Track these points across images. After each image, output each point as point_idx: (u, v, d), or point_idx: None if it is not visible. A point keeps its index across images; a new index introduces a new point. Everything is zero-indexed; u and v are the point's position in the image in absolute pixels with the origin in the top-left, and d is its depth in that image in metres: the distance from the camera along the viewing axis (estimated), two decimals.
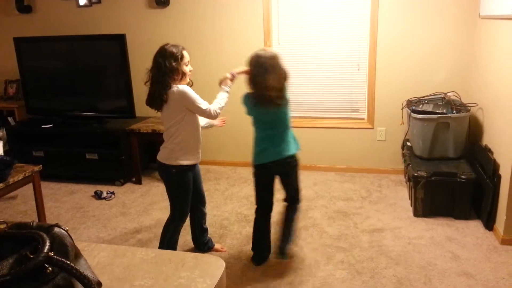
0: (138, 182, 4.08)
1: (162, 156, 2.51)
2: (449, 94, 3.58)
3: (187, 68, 2.45)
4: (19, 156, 3.47)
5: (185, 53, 2.44)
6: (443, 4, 3.61)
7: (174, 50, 2.39)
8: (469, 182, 3.04)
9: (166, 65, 2.36)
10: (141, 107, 4.12)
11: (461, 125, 3.30)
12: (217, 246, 2.90)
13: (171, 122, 2.43)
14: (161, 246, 2.63)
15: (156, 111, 2.47)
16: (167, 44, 2.43)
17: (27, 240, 0.87)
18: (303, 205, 3.51)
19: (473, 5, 3.52)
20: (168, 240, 2.61)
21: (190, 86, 2.51)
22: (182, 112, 2.41)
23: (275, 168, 2.60)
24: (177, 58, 2.39)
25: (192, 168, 2.56)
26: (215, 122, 2.78)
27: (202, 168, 4.34)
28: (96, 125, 4.20)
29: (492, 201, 2.89)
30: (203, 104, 2.42)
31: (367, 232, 3.03)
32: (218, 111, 2.48)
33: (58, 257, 0.82)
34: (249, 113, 2.54)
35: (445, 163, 3.26)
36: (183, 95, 2.37)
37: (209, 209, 3.46)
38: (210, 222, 3.25)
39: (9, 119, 4.71)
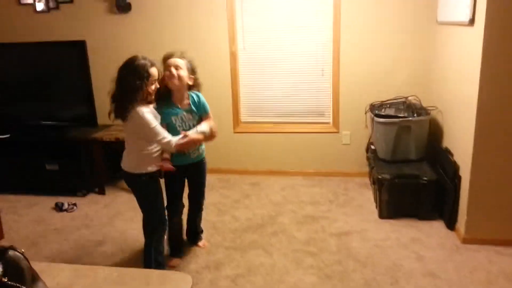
0: (102, 192, 3.96)
1: (129, 165, 2.42)
2: (410, 98, 3.69)
3: (153, 87, 2.33)
4: None
5: (153, 70, 2.29)
6: (402, 10, 3.71)
7: (141, 67, 2.24)
8: (431, 183, 3.13)
9: (129, 83, 2.22)
10: (103, 115, 3.99)
11: (422, 128, 3.40)
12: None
13: (134, 137, 2.37)
14: (149, 264, 2.51)
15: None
16: (136, 58, 2.27)
17: None
18: (272, 210, 3.51)
19: (431, 11, 3.64)
20: (156, 255, 2.53)
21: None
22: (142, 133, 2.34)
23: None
24: (143, 77, 2.24)
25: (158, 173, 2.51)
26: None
27: None
28: (56, 134, 4.04)
29: (453, 202, 2.99)
30: (163, 137, 2.30)
31: (335, 235, 3.06)
32: (172, 144, 2.34)
33: (12, 283, 0.77)
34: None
35: (408, 165, 3.35)
36: (139, 120, 2.26)
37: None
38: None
39: None
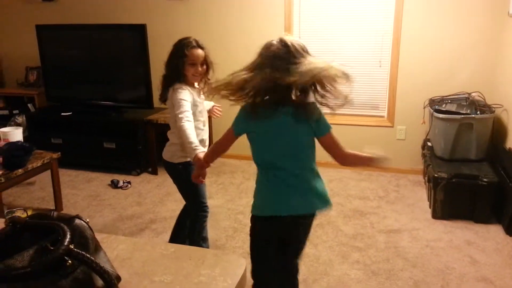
0: (154, 172, 4.09)
1: (167, 154, 2.44)
2: (473, 94, 3.49)
3: (192, 70, 2.27)
4: (38, 143, 3.50)
5: (192, 51, 2.24)
6: (471, 1, 3.50)
7: (180, 46, 2.24)
8: (491, 185, 2.96)
9: (169, 63, 2.28)
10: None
11: (485, 127, 3.22)
12: None
13: (172, 120, 2.36)
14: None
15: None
16: (182, 38, 2.29)
17: (47, 231, 0.86)
18: None
19: (502, 3, 3.41)
20: (200, 243, 2.50)
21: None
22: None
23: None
24: (178, 57, 2.24)
25: None
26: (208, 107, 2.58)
27: (217, 161, 4.34)
28: (114, 115, 4.21)
29: None
30: (182, 111, 2.16)
31: (384, 233, 2.98)
32: (183, 124, 2.11)
33: (78, 250, 0.81)
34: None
35: (467, 165, 3.19)
36: (171, 96, 2.25)
37: (223, 202, 3.46)
38: (225, 215, 3.24)
39: (29, 105, 4.76)
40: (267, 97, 1.62)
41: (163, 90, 2.34)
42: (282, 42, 1.61)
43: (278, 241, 1.79)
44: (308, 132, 1.71)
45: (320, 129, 1.70)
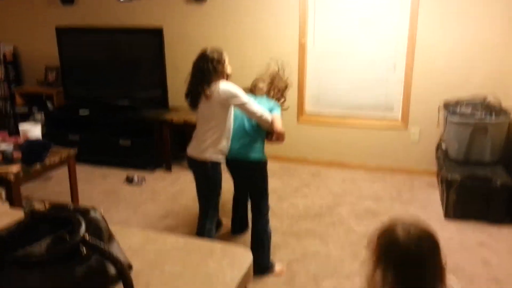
0: (168, 170, 4.16)
1: (206, 154, 2.47)
2: (488, 97, 3.46)
3: (229, 70, 2.52)
4: (55, 139, 3.58)
5: (225, 55, 2.50)
6: (486, 4, 3.47)
7: (217, 54, 2.45)
8: (505, 188, 2.94)
9: (210, 68, 2.41)
10: (173, 98, 4.19)
11: (500, 130, 3.19)
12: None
13: (212, 119, 2.43)
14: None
15: (192, 108, 2.51)
16: (208, 50, 2.47)
17: (64, 222, 0.91)
18: (331, 201, 3.48)
19: None
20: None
21: None
22: (224, 109, 2.43)
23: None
24: (220, 61, 2.45)
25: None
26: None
27: None
28: (130, 114, 4.29)
29: None
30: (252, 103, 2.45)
31: None
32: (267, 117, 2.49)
33: (92, 240, 0.85)
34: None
35: (481, 167, 3.16)
36: (227, 91, 2.40)
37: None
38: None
39: (48, 103, 4.88)
40: None
41: (204, 89, 2.41)
42: None
43: None
44: None
45: None
